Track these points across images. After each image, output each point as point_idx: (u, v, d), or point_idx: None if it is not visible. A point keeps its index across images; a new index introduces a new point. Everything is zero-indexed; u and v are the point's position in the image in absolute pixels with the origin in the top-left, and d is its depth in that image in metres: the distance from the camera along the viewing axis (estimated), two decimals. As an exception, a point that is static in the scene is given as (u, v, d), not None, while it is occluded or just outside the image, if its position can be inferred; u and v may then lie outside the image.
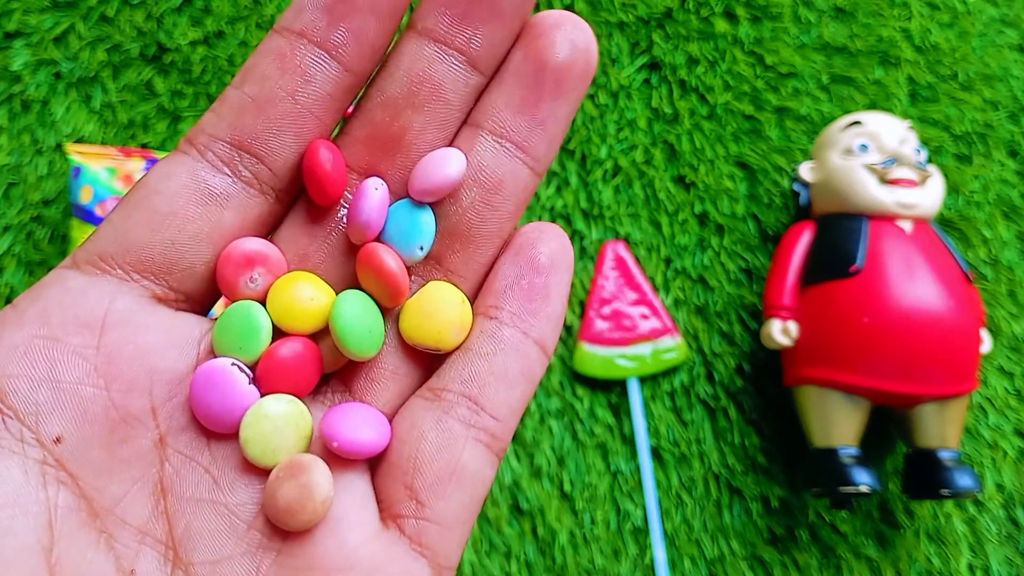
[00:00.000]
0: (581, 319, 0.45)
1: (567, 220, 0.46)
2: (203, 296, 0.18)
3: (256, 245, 0.17)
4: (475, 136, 0.18)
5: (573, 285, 0.45)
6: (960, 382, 0.38)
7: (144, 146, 0.45)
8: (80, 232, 0.41)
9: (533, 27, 0.18)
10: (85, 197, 0.41)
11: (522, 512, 0.43)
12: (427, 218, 0.18)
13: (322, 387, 0.18)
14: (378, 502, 0.17)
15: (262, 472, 0.17)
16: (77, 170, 0.42)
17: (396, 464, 0.17)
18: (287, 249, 0.18)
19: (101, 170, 0.42)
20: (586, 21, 0.49)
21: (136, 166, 0.42)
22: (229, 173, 0.17)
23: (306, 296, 0.17)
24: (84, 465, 0.15)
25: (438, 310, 0.18)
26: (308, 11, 0.17)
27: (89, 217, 0.41)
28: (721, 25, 0.49)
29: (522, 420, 0.44)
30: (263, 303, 0.18)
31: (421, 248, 0.18)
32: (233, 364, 0.17)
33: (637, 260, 0.45)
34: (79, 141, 0.45)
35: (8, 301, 0.42)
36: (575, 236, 0.46)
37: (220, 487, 0.16)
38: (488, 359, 0.18)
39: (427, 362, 0.19)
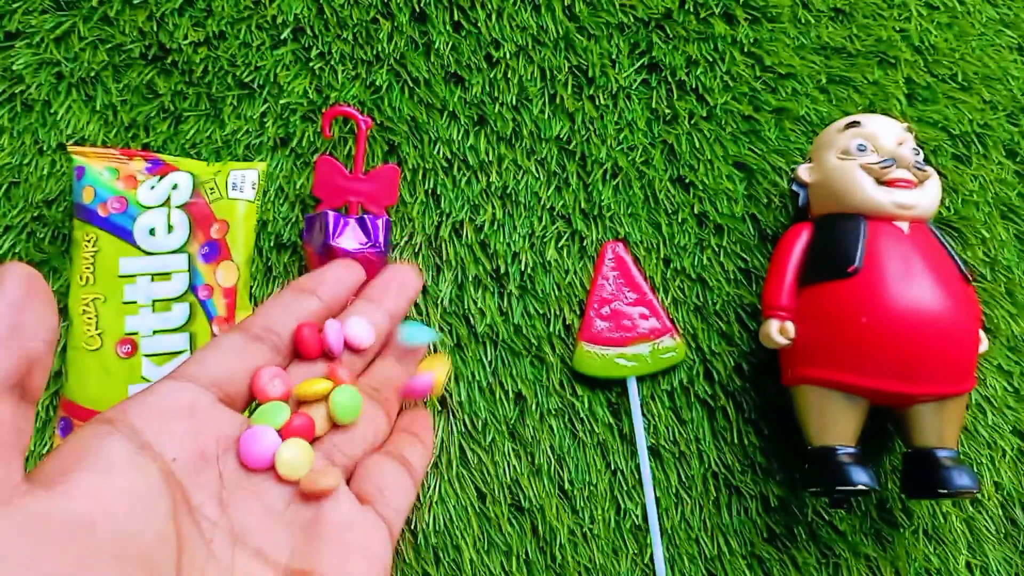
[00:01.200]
0: (581, 319, 0.45)
1: (567, 220, 0.46)
2: (243, 401, 0.29)
3: (275, 369, 0.30)
4: None
5: (573, 285, 0.45)
6: (958, 382, 0.38)
7: (146, 147, 0.45)
8: (81, 232, 0.41)
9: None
10: (87, 197, 0.42)
11: (522, 510, 0.43)
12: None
13: (315, 442, 0.31)
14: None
15: (284, 485, 0.28)
16: (80, 170, 0.42)
17: (361, 481, 0.31)
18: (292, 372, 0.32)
19: (103, 171, 0.42)
20: (586, 22, 0.49)
21: (139, 167, 0.43)
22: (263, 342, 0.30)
23: (318, 388, 0.31)
24: (187, 479, 0.25)
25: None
26: None
27: (91, 217, 0.41)
28: (720, 26, 0.49)
29: (522, 419, 0.44)
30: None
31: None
32: (267, 427, 0.29)
33: (636, 260, 0.46)
34: (80, 142, 0.45)
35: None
36: (575, 236, 0.46)
37: (260, 497, 0.27)
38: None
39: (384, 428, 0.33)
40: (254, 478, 0.27)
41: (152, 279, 0.41)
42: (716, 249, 0.46)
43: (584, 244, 0.46)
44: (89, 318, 0.40)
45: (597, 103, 0.48)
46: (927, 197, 0.40)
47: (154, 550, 0.21)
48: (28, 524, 0.19)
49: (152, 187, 0.42)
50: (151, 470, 0.23)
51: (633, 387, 0.44)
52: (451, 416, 0.44)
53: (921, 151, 0.42)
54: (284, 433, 0.29)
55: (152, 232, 0.41)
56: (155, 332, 0.40)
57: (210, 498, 0.25)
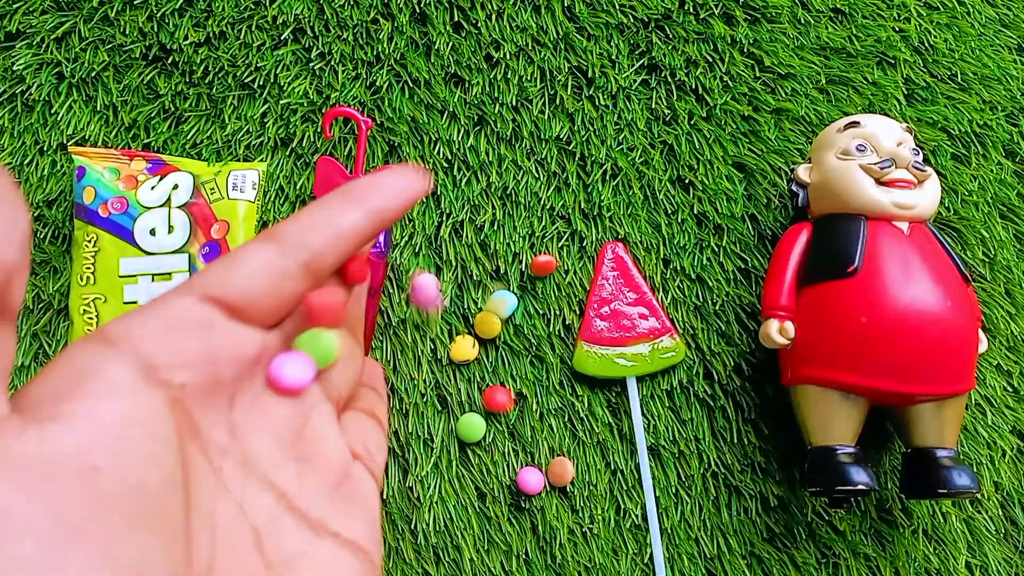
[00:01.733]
0: (581, 319, 0.45)
1: (567, 220, 0.46)
2: (266, 321, 0.24)
3: (337, 291, 0.26)
4: None
5: (573, 284, 0.45)
6: (957, 382, 0.38)
7: (146, 147, 0.45)
8: (82, 232, 0.41)
9: None
10: (88, 198, 0.42)
11: (522, 510, 0.43)
12: None
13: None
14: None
15: (287, 400, 0.24)
16: (81, 170, 0.42)
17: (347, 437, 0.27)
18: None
19: (104, 171, 0.42)
20: (586, 22, 0.49)
21: (140, 167, 0.43)
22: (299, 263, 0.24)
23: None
24: (196, 406, 0.22)
25: None
26: None
27: (91, 217, 0.41)
28: (719, 27, 0.49)
29: (522, 418, 0.44)
30: None
31: None
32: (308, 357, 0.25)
33: (636, 260, 0.46)
34: (81, 142, 0.45)
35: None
36: (575, 236, 0.46)
37: (273, 426, 0.24)
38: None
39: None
40: (266, 402, 0.24)
41: (153, 279, 0.41)
42: (715, 249, 0.46)
43: (584, 244, 0.46)
44: (89, 318, 0.40)
45: (597, 104, 0.48)
46: (926, 197, 0.40)
47: (162, 497, 0.19)
48: (17, 471, 0.16)
49: (153, 187, 0.42)
50: (156, 399, 0.20)
51: (633, 387, 0.44)
52: (451, 416, 0.44)
53: (920, 151, 0.42)
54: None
55: (153, 232, 0.41)
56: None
57: (218, 423, 0.22)
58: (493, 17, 0.48)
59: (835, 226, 0.41)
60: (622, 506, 0.43)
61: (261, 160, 0.45)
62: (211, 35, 0.46)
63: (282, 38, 0.47)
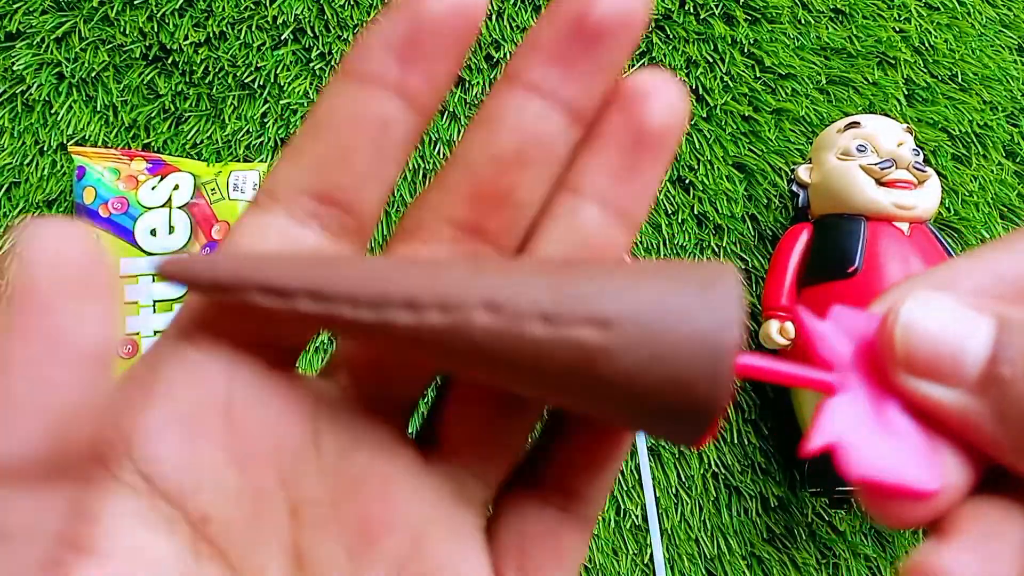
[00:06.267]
0: (581, 319, 0.45)
1: (567, 221, 0.46)
2: (304, 343, 0.18)
3: None
4: (577, 204, 0.18)
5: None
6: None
7: (147, 147, 0.45)
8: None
9: (631, 89, 0.18)
10: (88, 198, 0.42)
11: (522, 511, 0.43)
12: None
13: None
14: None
15: (395, 547, 0.17)
16: (81, 170, 0.42)
17: (506, 547, 0.18)
18: None
19: (104, 171, 0.42)
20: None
21: (140, 167, 0.43)
22: (319, 228, 0.17)
23: None
24: (230, 540, 0.16)
25: None
26: (377, 54, 0.17)
27: (92, 218, 0.41)
28: (719, 27, 0.49)
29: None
30: None
31: None
32: None
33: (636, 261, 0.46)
34: (81, 142, 0.45)
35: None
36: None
37: (354, 562, 0.17)
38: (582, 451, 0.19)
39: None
40: (348, 520, 0.17)
41: (153, 279, 0.41)
42: (716, 250, 0.46)
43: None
44: (90, 318, 0.40)
45: (597, 104, 0.48)
46: (927, 198, 0.40)
47: None
48: None
49: (153, 188, 0.42)
50: (177, 538, 0.16)
51: (633, 387, 0.44)
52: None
53: (921, 152, 0.42)
54: None
55: (153, 233, 0.41)
56: (156, 332, 0.41)
57: (274, 561, 0.16)
58: (493, 17, 0.48)
59: (835, 227, 0.41)
60: (622, 506, 0.43)
61: (261, 160, 0.45)
62: (211, 35, 0.46)
63: (282, 38, 0.47)
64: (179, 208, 0.42)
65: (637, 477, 0.44)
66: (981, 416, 0.15)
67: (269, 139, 0.46)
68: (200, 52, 0.46)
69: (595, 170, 0.18)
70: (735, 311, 0.15)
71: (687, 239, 0.46)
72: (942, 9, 0.50)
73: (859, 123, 0.42)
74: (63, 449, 0.13)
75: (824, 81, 0.48)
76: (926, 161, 0.48)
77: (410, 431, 0.19)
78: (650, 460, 0.44)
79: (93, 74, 0.45)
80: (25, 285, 0.13)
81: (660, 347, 0.15)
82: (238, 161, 0.45)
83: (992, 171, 0.48)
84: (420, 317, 0.16)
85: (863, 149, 0.41)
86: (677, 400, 0.15)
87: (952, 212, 0.47)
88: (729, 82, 0.48)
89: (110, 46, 0.46)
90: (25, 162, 0.44)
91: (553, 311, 0.15)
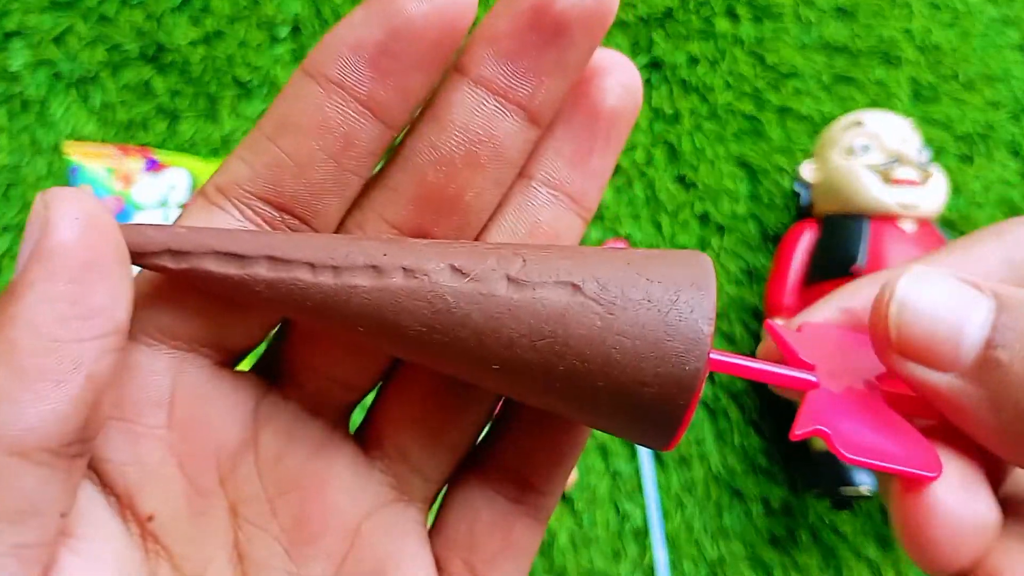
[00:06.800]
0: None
1: (567, 220, 0.46)
2: (250, 347, 0.18)
3: None
4: (528, 189, 0.17)
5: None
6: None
7: (144, 146, 0.45)
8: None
9: (584, 71, 0.17)
10: (84, 197, 0.41)
11: (522, 513, 0.43)
12: None
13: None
14: (439, 570, 0.18)
15: (333, 543, 0.17)
16: (74, 170, 0.42)
17: (453, 539, 0.18)
18: None
19: (100, 170, 0.42)
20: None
21: (135, 165, 0.42)
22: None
23: None
24: (173, 538, 0.16)
25: None
26: (347, 60, 0.15)
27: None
28: (722, 25, 0.48)
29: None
30: None
31: None
32: None
33: (637, 260, 0.45)
34: (78, 140, 0.45)
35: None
36: (575, 236, 0.46)
37: (293, 559, 0.17)
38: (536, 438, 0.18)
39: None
40: (286, 517, 0.17)
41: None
42: (718, 249, 0.46)
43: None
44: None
45: (598, 102, 0.47)
46: (932, 196, 0.40)
47: None
48: None
49: (150, 186, 0.42)
50: (131, 532, 0.16)
51: (634, 388, 0.44)
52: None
53: (926, 149, 0.42)
54: None
55: (150, 232, 0.41)
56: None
57: (216, 558, 0.17)
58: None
59: (839, 225, 0.40)
60: (623, 510, 0.43)
61: (259, 159, 0.45)
62: (208, 33, 0.46)
63: (280, 37, 0.47)
64: (176, 207, 0.42)
65: (638, 480, 0.43)
66: (974, 401, 0.14)
67: (267, 138, 0.45)
68: (198, 50, 0.46)
69: (547, 154, 0.17)
70: (709, 304, 0.15)
71: (689, 238, 0.46)
72: (945, 8, 0.50)
73: (863, 121, 0.41)
74: (83, 423, 0.13)
75: (827, 79, 0.48)
76: (932, 158, 0.47)
77: (358, 431, 0.19)
78: (652, 463, 0.43)
79: (90, 73, 0.45)
80: (52, 250, 0.13)
81: (633, 319, 0.15)
82: (236, 160, 0.45)
83: (996, 170, 0.48)
84: (383, 280, 0.15)
85: (867, 147, 0.41)
86: (647, 388, 0.15)
87: (955, 211, 0.47)
88: (732, 80, 0.48)
89: (107, 45, 0.46)
90: (22, 162, 0.44)
91: (523, 276, 0.15)
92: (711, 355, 0.15)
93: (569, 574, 0.42)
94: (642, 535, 0.43)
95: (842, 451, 0.15)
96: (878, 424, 0.16)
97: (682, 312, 0.14)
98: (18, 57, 0.45)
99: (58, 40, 0.45)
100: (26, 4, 0.45)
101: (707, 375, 0.15)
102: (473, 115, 0.16)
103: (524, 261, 0.15)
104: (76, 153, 0.42)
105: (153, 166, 0.43)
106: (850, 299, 0.18)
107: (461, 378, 0.16)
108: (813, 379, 0.16)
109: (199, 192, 0.16)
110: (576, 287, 0.15)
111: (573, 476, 0.42)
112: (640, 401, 0.15)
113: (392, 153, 0.17)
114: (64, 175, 0.44)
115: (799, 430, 0.15)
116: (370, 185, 0.17)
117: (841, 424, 0.15)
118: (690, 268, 0.15)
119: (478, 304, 0.15)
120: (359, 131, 0.16)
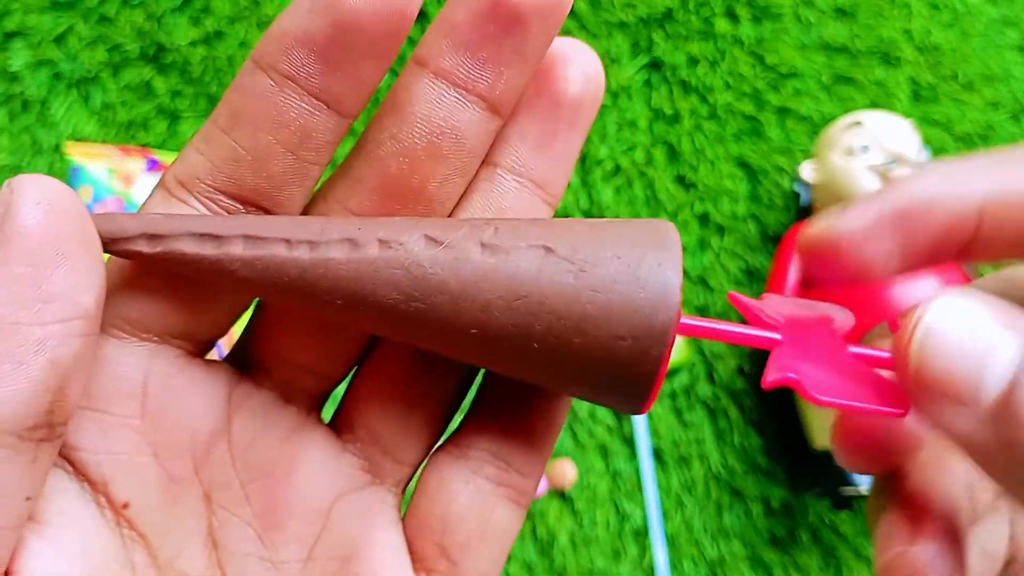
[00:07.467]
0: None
1: (567, 220, 0.46)
2: (219, 336, 0.18)
3: None
4: (494, 176, 0.17)
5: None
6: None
7: (144, 146, 0.45)
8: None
9: (546, 58, 0.17)
10: (84, 197, 0.41)
11: (522, 513, 0.43)
12: None
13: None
14: (410, 553, 0.18)
15: (303, 528, 0.18)
16: (75, 170, 0.42)
17: (426, 522, 0.18)
18: None
19: (101, 170, 0.42)
20: (587, 20, 0.49)
21: (136, 166, 0.42)
22: None
23: None
24: (149, 525, 0.16)
25: None
26: (297, 53, 0.15)
27: (88, 217, 0.41)
28: (722, 25, 0.48)
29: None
30: None
31: None
32: None
33: (638, 260, 0.45)
34: (78, 140, 0.45)
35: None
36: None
37: (265, 544, 0.17)
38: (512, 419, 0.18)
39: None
40: (259, 503, 0.17)
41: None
42: (718, 250, 0.46)
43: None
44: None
45: (598, 103, 0.47)
46: (931, 197, 0.40)
47: None
48: None
49: (150, 186, 0.42)
50: (106, 520, 0.16)
51: (634, 388, 0.44)
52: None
53: (926, 150, 0.42)
54: None
55: (150, 232, 0.41)
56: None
57: (189, 544, 0.17)
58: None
59: (839, 226, 0.40)
60: (623, 510, 0.43)
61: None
62: (209, 34, 0.46)
63: (281, 37, 0.47)
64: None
65: (638, 480, 0.43)
66: (989, 443, 0.14)
67: (267, 138, 0.45)
68: (198, 51, 0.46)
69: (511, 141, 0.17)
70: (676, 259, 0.15)
71: (689, 238, 0.46)
72: (945, 8, 0.50)
73: (862, 122, 0.41)
74: (47, 407, 0.13)
75: (827, 80, 0.48)
76: (932, 159, 0.47)
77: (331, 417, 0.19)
78: (652, 463, 0.43)
79: (91, 73, 0.45)
80: (14, 234, 0.13)
81: (605, 275, 0.15)
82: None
83: (996, 170, 0.48)
84: (360, 252, 0.15)
85: (867, 148, 0.41)
86: (621, 341, 0.15)
87: (956, 212, 0.47)
88: (731, 80, 0.48)
89: (108, 45, 0.46)
90: (22, 162, 0.44)
91: (496, 242, 0.15)
92: (681, 319, 0.16)
93: (569, 574, 0.42)
94: (642, 535, 0.43)
95: (813, 393, 0.15)
96: (845, 372, 0.16)
97: (651, 266, 0.15)
98: (19, 57, 0.45)
99: (58, 40, 0.45)
100: (26, 4, 0.45)
101: (678, 336, 0.15)
102: (434, 107, 0.16)
103: (496, 229, 0.16)
104: (77, 153, 0.42)
105: (154, 166, 0.43)
106: (895, 196, 0.18)
107: (438, 349, 0.16)
108: (778, 337, 0.17)
109: (159, 185, 0.16)
110: (549, 249, 0.15)
111: (573, 476, 0.42)
112: (615, 357, 0.15)
113: (355, 145, 0.17)
114: (65, 175, 0.44)
115: (769, 378, 0.16)
116: (334, 175, 0.17)
117: (810, 372, 0.16)
118: (656, 230, 0.16)
119: (453, 269, 0.15)
120: (315, 124, 0.16)
